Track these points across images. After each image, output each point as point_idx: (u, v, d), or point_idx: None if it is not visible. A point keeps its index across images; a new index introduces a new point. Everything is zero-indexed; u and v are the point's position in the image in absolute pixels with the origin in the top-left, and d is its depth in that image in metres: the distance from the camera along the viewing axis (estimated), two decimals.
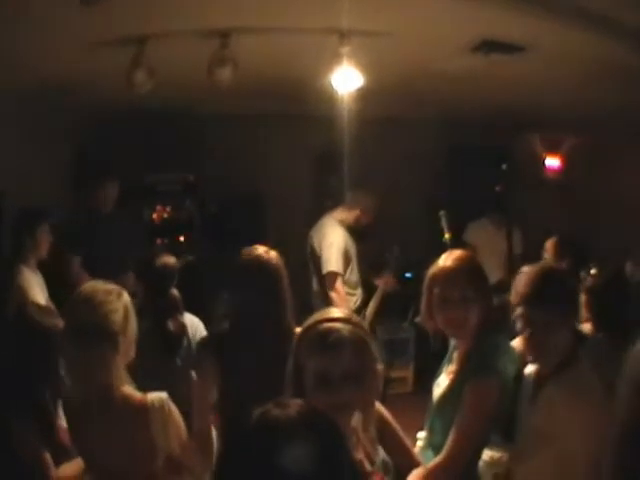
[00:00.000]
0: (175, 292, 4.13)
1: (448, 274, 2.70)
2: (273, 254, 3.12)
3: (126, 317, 2.51)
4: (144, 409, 2.43)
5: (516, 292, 2.68)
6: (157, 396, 2.48)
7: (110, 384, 2.45)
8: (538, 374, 2.58)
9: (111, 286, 2.57)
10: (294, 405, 1.32)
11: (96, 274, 5.19)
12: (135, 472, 2.47)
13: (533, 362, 2.60)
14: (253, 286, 3.04)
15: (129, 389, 2.50)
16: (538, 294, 2.50)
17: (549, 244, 5.28)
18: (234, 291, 3.15)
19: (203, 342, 3.36)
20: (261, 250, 3.11)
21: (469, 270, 2.73)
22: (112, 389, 2.45)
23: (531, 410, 2.53)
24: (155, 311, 3.91)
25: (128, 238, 5.78)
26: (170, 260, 4.27)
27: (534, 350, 2.52)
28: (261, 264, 3.06)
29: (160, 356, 3.77)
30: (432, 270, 2.77)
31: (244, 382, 2.81)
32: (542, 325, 2.46)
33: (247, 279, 3.07)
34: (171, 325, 3.96)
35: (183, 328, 4.00)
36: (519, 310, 2.53)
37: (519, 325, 2.54)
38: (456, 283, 2.68)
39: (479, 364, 2.61)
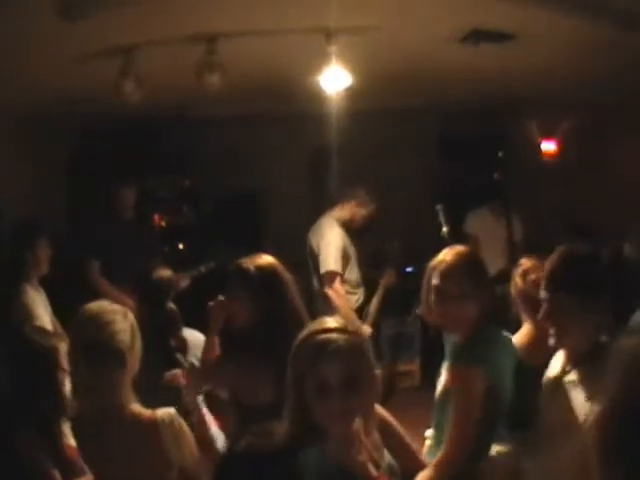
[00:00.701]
0: (172, 306, 4.06)
1: (446, 269, 2.72)
2: (267, 261, 3.15)
3: (133, 336, 2.55)
4: (154, 426, 2.45)
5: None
6: (166, 412, 2.50)
7: (119, 403, 2.48)
8: (563, 364, 2.52)
9: (117, 306, 2.63)
10: (278, 434, 1.28)
11: (114, 281, 5.24)
12: None
13: (555, 347, 2.53)
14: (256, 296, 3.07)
15: (137, 407, 2.52)
16: (558, 279, 2.43)
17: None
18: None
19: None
20: (256, 259, 3.15)
21: (468, 265, 2.74)
22: (121, 408, 2.48)
23: (552, 402, 2.49)
24: (154, 327, 3.83)
25: (146, 245, 5.79)
26: (165, 273, 4.17)
27: (555, 336, 2.46)
28: (259, 274, 3.09)
29: (162, 373, 3.69)
30: (432, 264, 2.80)
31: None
32: (562, 310, 2.39)
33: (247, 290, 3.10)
34: (172, 342, 3.88)
35: (184, 344, 3.92)
36: (542, 293, 2.48)
37: (542, 308, 2.48)
38: (453, 278, 2.70)
39: (460, 353, 2.66)
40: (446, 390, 2.70)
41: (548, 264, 2.50)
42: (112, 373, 2.47)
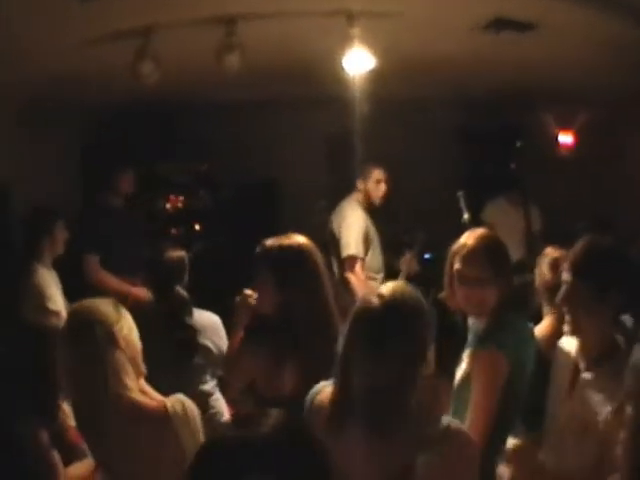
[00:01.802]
0: (181, 291, 3.85)
1: (468, 252, 2.70)
2: (295, 241, 2.91)
3: (129, 328, 2.46)
4: (165, 415, 2.37)
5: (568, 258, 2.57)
6: (176, 400, 2.42)
7: (119, 393, 2.37)
8: (577, 358, 2.50)
9: (109, 299, 2.54)
10: (269, 422, 1.19)
11: (114, 272, 5.16)
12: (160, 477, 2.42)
13: (570, 335, 2.52)
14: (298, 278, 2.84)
15: (143, 397, 2.42)
16: (579, 267, 2.41)
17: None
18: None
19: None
20: (283, 239, 2.91)
21: (489, 250, 2.71)
22: (122, 398, 2.38)
23: (567, 400, 2.47)
24: (163, 315, 3.67)
25: (143, 235, 5.68)
26: (174, 254, 3.92)
27: (569, 324, 2.45)
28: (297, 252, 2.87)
29: (174, 362, 3.56)
30: (454, 248, 2.78)
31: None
32: (579, 298, 2.38)
33: (290, 271, 2.85)
34: (181, 332, 3.72)
35: (194, 332, 3.78)
36: (564, 275, 2.46)
37: (561, 291, 2.46)
38: (475, 262, 2.67)
39: (483, 337, 2.63)
40: (466, 377, 2.67)
41: (573, 251, 2.48)
42: (107, 364, 2.36)
